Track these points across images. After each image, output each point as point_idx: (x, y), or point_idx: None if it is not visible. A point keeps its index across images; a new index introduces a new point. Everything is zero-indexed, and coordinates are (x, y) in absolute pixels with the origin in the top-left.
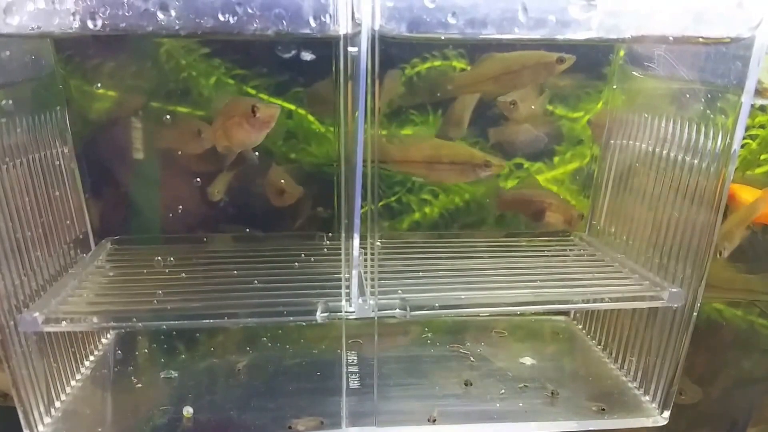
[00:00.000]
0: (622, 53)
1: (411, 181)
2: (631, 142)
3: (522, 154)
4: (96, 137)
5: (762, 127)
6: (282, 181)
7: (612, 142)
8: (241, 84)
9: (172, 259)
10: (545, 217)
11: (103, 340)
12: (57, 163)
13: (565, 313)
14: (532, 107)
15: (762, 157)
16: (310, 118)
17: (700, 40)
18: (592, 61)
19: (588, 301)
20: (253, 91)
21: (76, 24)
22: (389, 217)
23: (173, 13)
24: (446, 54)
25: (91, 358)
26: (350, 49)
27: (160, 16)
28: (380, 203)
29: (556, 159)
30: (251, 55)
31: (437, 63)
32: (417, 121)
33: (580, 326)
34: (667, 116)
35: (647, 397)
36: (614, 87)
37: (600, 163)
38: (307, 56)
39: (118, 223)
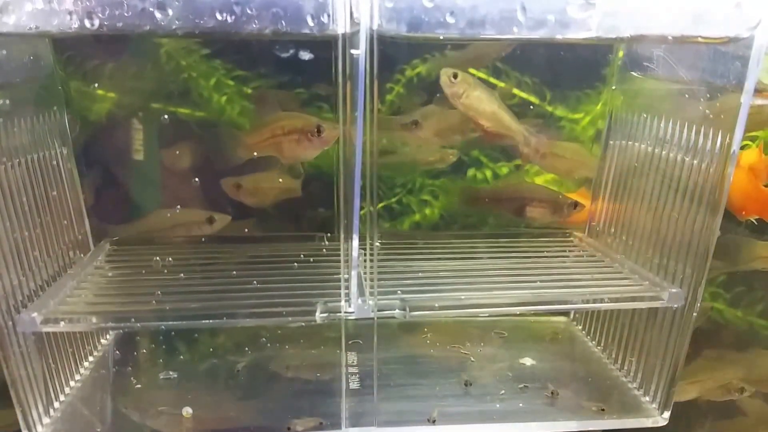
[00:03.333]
0: (621, 54)
1: (411, 182)
2: (630, 142)
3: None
4: (95, 138)
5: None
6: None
7: (611, 142)
8: (241, 85)
9: (170, 259)
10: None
11: (102, 341)
12: (56, 163)
13: (565, 313)
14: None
15: None
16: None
17: (699, 39)
18: (591, 62)
19: (588, 302)
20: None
21: (75, 23)
22: (389, 218)
23: (171, 12)
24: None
25: (90, 358)
26: (353, 51)
27: (158, 15)
28: (380, 205)
29: None
30: (251, 56)
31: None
32: None
33: (580, 327)
34: (667, 117)
35: (647, 398)
36: (613, 88)
37: (599, 163)
38: (306, 56)
39: (116, 224)
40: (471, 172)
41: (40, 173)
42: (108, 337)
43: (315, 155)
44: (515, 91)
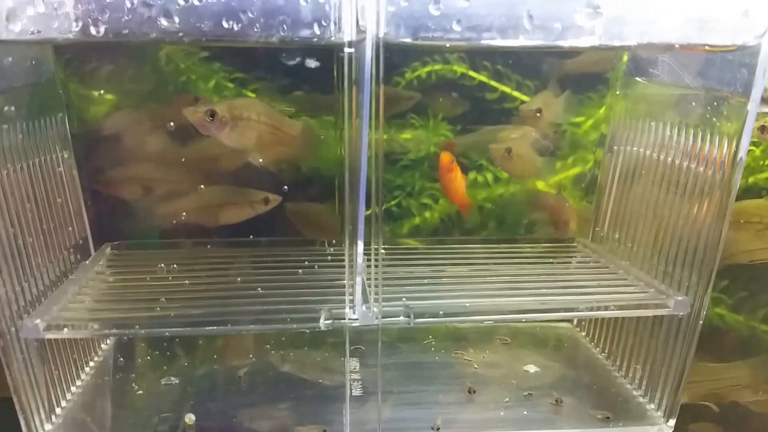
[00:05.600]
0: (625, 59)
1: (411, 185)
2: (634, 148)
3: None
4: (96, 142)
5: None
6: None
7: (615, 148)
8: (241, 87)
9: (175, 265)
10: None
11: (103, 346)
12: (57, 168)
13: (569, 320)
14: None
15: (766, 162)
16: (312, 121)
17: (706, 47)
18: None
19: (593, 309)
20: (252, 95)
21: (78, 31)
22: (389, 221)
23: (176, 19)
24: (447, 58)
25: (92, 364)
26: (346, 49)
27: (163, 22)
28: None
29: (558, 164)
30: (251, 58)
31: (438, 67)
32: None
33: (584, 333)
34: (672, 123)
35: (652, 405)
36: (617, 93)
37: (603, 169)
38: (309, 62)
39: (117, 228)
40: (472, 175)
41: (41, 178)
42: (108, 342)
43: None
44: (515, 93)
